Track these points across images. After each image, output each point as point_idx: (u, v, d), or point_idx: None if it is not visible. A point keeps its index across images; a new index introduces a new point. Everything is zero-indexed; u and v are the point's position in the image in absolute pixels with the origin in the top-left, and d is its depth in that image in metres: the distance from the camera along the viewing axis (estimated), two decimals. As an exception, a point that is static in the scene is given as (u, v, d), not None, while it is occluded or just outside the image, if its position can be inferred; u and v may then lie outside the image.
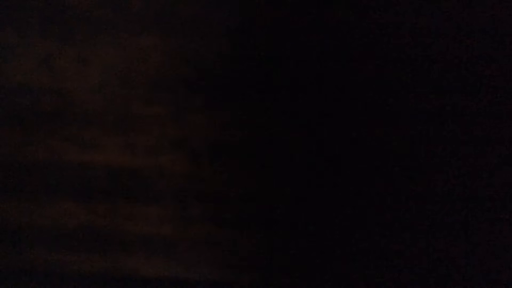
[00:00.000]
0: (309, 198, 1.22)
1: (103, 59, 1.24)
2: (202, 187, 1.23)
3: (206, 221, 1.23)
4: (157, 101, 1.24)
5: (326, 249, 1.22)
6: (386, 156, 1.22)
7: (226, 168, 1.23)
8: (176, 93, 1.24)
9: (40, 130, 1.24)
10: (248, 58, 1.23)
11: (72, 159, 1.24)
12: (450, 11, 1.23)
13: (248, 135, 1.23)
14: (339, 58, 1.23)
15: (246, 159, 1.23)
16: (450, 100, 1.23)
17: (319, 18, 1.23)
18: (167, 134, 1.23)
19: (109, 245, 1.23)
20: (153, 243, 1.23)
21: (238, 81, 1.23)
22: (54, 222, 1.23)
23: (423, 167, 1.22)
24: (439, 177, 1.22)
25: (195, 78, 1.24)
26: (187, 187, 1.23)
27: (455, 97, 1.23)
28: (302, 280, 1.22)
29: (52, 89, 1.24)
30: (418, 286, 1.22)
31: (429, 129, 1.22)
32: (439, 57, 1.23)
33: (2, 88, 1.24)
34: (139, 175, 1.23)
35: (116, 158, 1.23)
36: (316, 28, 1.23)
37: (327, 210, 1.22)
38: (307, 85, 1.23)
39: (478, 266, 1.21)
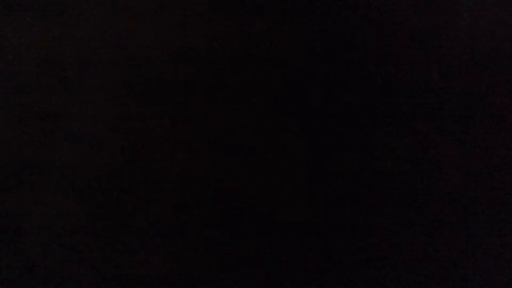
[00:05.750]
0: (309, 198, 1.22)
1: (103, 58, 1.24)
2: (202, 187, 1.23)
3: (206, 221, 1.23)
4: (157, 100, 1.24)
5: (326, 249, 1.22)
6: (386, 156, 1.22)
7: (226, 168, 1.23)
8: (176, 92, 1.24)
9: (40, 130, 1.24)
10: (248, 58, 1.23)
11: (72, 159, 1.23)
12: (450, 11, 1.23)
13: (248, 135, 1.23)
14: (339, 59, 1.23)
15: (246, 159, 1.23)
16: (450, 100, 1.23)
17: (320, 18, 1.23)
18: (167, 134, 1.23)
19: (109, 245, 1.23)
20: (153, 242, 1.23)
21: (238, 81, 1.23)
22: (54, 222, 1.23)
23: (423, 167, 1.22)
24: (439, 177, 1.22)
25: (195, 78, 1.24)
26: (187, 187, 1.23)
27: (455, 97, 1.23)
28: (302, 280, 1.22)
29: (52, 89, 1.24)
30: (418, 286, 1.21)
31: (429, 129, 1.22)
32: (439, 57, 1.23)
33: (2, 88, 1.24)
34: (139, 174, 1.23)
35: (116, 157, 1.23)
36: (317, 28, 1.23)
37: (327, 210, 1.22)
38: (307, 85, 1.23)
39: (478, 266, 1.21)
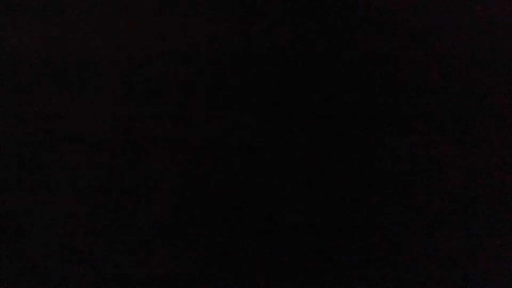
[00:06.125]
0: (309, 198, 1.22)
1: (103, 58, 1.24)
2: (202, 187, 1.23)
3: (206, 221, 1.23)
4: (157, 100, 1.24)
5: (326, 249, 1.22)
6: (386, 156, 1.22)
7: (226, 168, 1.23)
8: (176, 92, 1.24)
9: (40, 129, 1.24)
10: (248, 58, 1.23)
11: (73, 159, 1.23)
12: (450, 11, 1.23)
13: (248, 135, 1.23)
14: (339, 59, 1.23)
15: (246, 159, 1.23)
16: (450, 100, 1.23)
17: (320, 18, 1.23)
18: (166, 134, 1.23)
19: (109, 245, 1.23)
20: (153, 242, 1.22)
21: (238, 81, 1.23)
22: (54, 222, 1.23)
23: (423, 167, 1.22)
24: (439, 177, 1.22)
25: (195, 78, 1.24)
26: (187, 186, 1.23)
27: (455, 97, 1.23)
28: (302, 280, 1.22)
29: (52, 89, 1.24)
30: (418, 286, 1.21)
31: (429, 129, 1.22)
32: (439, 57, 1.23)
33: (2, 87, 1.24)
34: (139, 174, 1.23)
35: (116, 157, 1.23)
36: (316, 28, 1.23)
37: (327, 210, 1.22)
38: (307, 85, 1.23)
39: (478, 266, 1.21)
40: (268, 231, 1.23)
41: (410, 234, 1.21)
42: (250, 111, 1.23)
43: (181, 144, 1.23)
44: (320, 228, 1.22)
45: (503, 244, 1.21)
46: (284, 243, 1.22)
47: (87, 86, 1.24)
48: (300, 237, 1.22)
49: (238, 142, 1.23)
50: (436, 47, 1.23)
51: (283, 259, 1.22)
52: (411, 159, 1.22)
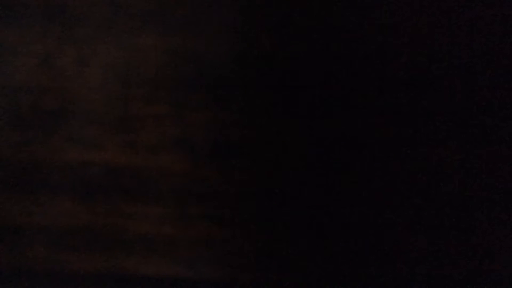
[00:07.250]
0: (309, 198, 1.22)
1: (103, 59, 1.24)
2: (202, 187, 1.23)
3: (206, 221, 1.23)
4: (157, 100, 1.24)
5: (326, 249, 1.22)
6: (386, 156, 1.22)
7: (226, 168, 1.23)
8: (176, 92, 1.24)
9: (40, 129, 1.24)
10: (248, 58, 1.23)
11: (72, 159, 1.24)
12: (450, 11, 1.23)
13: (248, 135, 1.23)
14: (339, 58, 1.23)
15: (246, 159, 1.23)
16: (450, 100, 1.23)
17: (320, 18, 1.24)
18: (167, 134, 1.23)
19: (109, 244, 1.23)
20: (153, 242, 1.23)
21: (238, 81, 1.23)
22: (54, 222, 1.23)
23: (423, 167, 1.22)
24: (439, 177, 1.22)
25: (195, 78, 1.24)
26: (187, 187, 1.23)
27: (455, 97, 1.23)
28: (302, 280, 1.22)
29: (52, 89, 1.25)
30: (418, 286, 1.22)
31: (429, 129, 1.22)
32: (439, 57, 1.23)
33: (2, 88, 1.25)
34: (139, 174, 1.23)
35: (116, 157, 1.23)
36: (316, 28, 1.24)
37: (327, 210, 1.22)
38: (307, 85, 1.23)
39: (478, 266, 1.21)
40: (268, 231, 1.23)
41: (410, 234, 1.22)
42: (251, 111, 1.23)
43: (182, 144, 1.23)
44: (320, 228, 1.22)
45: (503, 244, 1.21)
46: (284, 243, 1.23)
47: (86, 85, 1.24)
48: (300, 237, 1.22)
49: (238, 142, 1.23)
50: (436, 47, 1.23)
51: (283, 259, 1.22)
52: (411, 159, 1.22)
